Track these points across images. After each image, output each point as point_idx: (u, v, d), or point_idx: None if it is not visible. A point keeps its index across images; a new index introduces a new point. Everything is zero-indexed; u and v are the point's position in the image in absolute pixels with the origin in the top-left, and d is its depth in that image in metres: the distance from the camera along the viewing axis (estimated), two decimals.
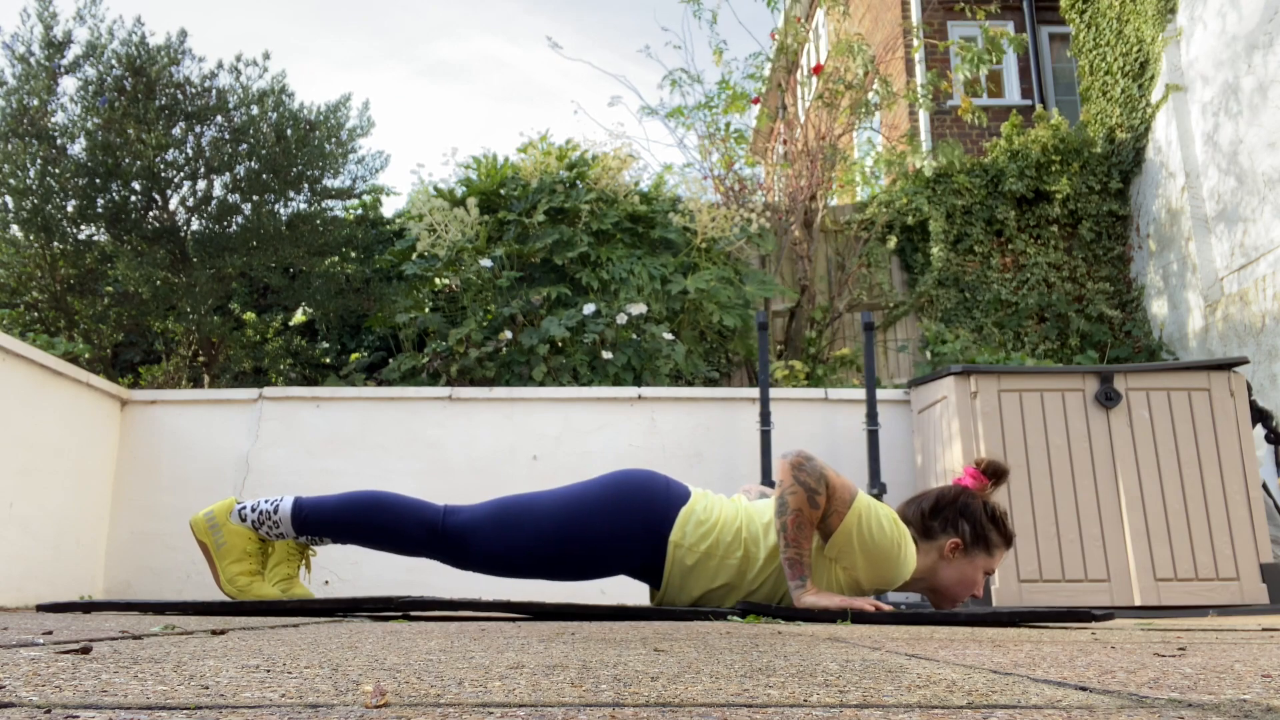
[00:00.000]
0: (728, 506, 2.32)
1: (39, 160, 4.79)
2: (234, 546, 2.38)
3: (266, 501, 2.40)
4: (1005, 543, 2.30)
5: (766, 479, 3.76)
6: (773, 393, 4.11)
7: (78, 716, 0.58)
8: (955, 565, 2.26)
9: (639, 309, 4.79)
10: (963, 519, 2.26)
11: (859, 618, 2.08)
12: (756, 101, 6.76)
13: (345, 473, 3.92)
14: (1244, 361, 3.49)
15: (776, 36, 6.74)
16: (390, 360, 5.24)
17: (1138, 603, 3.26)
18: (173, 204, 5.25)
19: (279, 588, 2.44)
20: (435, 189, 5.51)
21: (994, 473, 2.33)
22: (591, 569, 2.33)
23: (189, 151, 5.17)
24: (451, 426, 4.06)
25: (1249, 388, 3.52)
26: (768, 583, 2.26)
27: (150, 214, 5.18)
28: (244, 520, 2.40)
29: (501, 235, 5.27)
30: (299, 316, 5.96)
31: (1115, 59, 6.54)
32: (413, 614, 2.36)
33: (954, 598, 2.29)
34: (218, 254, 5.04)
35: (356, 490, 2.46)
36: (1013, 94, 9.46)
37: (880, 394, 4.09)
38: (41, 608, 2.30)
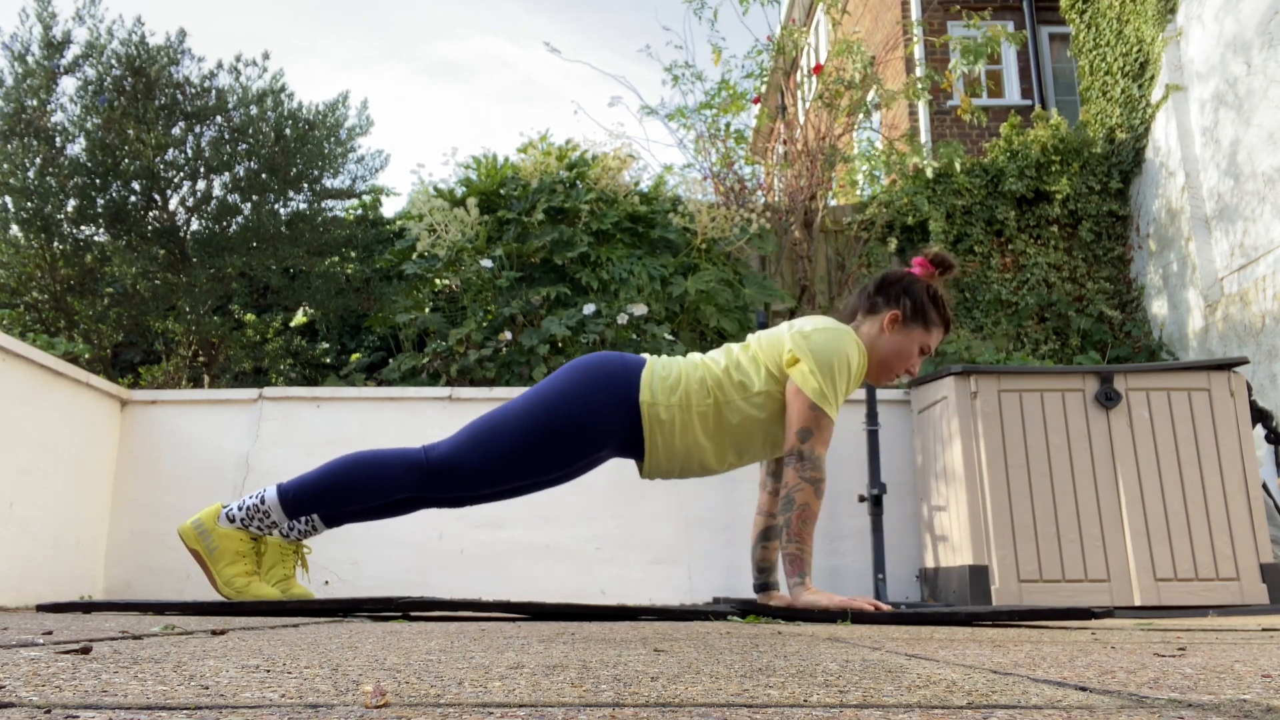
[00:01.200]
0: (685, 361, 2.38)
1: (38, 160, 4.79)
2: (226, 549, 2.38)
3: (251, 497, 2.41)
4: (943, 322, 2.42)
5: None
6: None
7: (78, 716, 0.58)
8: (893, 338, 2.38)
9: (639, 309, 4.79)
10: (905, 295, 2.39)
11: (859, 618, 2.08)
12: (757, 101, 6.76)
13: None
14: (1244, 361, 3.49)
15: (773, 39, 6.74)
16: (390, 360, 5.24)
17: (1138, 603, 3.26)
18: (172, 204, 5.25)
19: (278, 588, 2.44)
20: (435, 189, 5.51)
21: (940, 262, 2.45)
22: (578, 455, 2.35)
23: (188, 151, 5.17)
24: (452, 427, 4.03)
25: (1249, 388, 3.52)
26: (748, 423, 2.31)
27: (150, 214, 5.17)
28: (232, 522, 2.40)
29: (501, 235, 5.27)
30: (299, 317, 5.96)
31: (1115, 59, 6.54)
32: (413, 614, 2.36)
33: (890, 369, 2.41)
34: (217, 254, 5.03)
35: (334, 458, 2.45)
36: (1013, 94, 9.46)
37: (880, 394, 4.09)
38: (41, 608, 2.30)
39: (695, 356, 2.41)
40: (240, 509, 2.40)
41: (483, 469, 2.32)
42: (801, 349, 2.26)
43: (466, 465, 2.31)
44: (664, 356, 2.42)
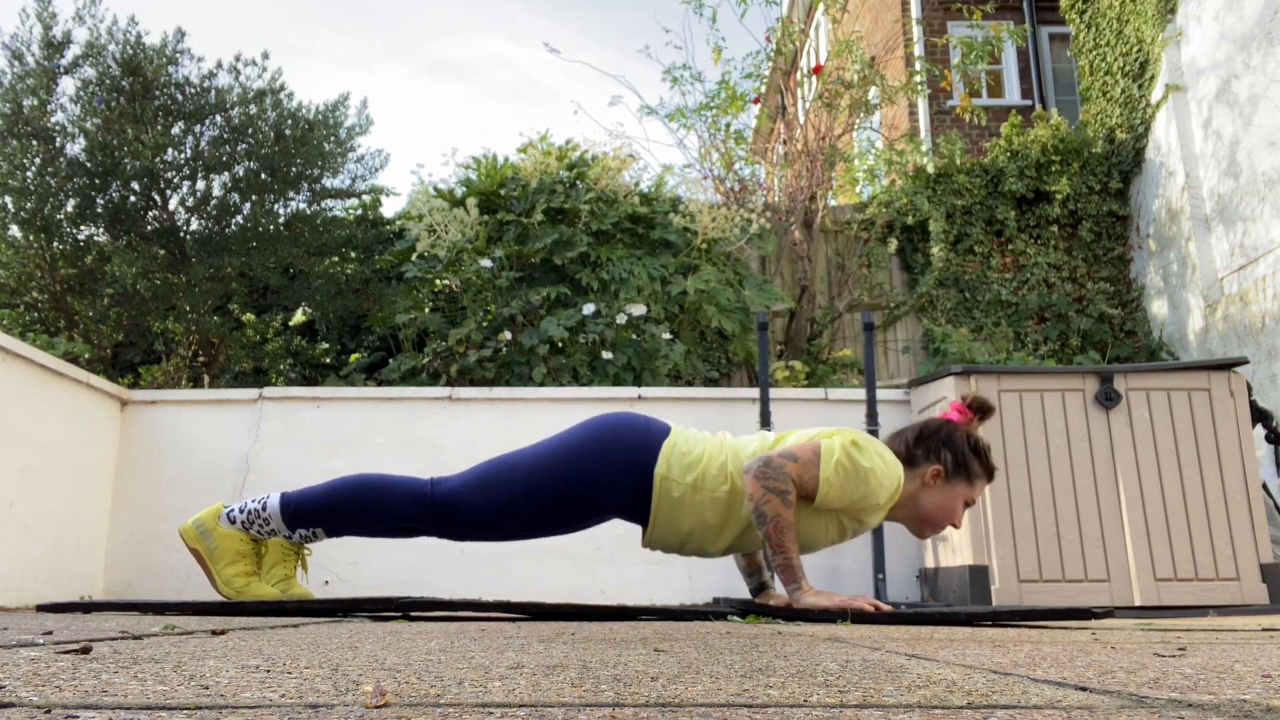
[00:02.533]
0: (711, 441, 2.33)
1: (38, 160, 4.79)
2: (226, 549, 2.38)
3: (254, 501, 2.40)
4: (986, 474, 2.33)
5: None
6: (773, 393, 4.11)
7: (78, 716, 0.58)
8: (936, 492, 2.29)
9: (639, 309, 4.78)
10: (945, 448, 2.30)
11: (859, 618, 2.08)
12: (757, 101, 6.76)
13: (345, 473, 3.91)
14: (1244, 361, 3.49)
15: (771, 38, 6.74)
16: (390, 360, 5.24)
17: (1138, 603, 3.26)
18: (172, 204, 5.25)
19: (278, 588, 2.44)
20: (435, 189, 5.51)
21: (979, 408, 2.37)
22: (582, 514, 2.32)
23: (188, 151, 5.17)
24: (452, 427, 4.06)
25: (1249, 388, 3.52)
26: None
27: (149, 214, 5.17)
28: (233, 523, 2.39)
29: (501, 235, 5.27)
30: (299, 316, 5.96)
31: (1115, 59, 6.54)
32: (413, 614, 2.36)
33: (934, 524, 2.32)
34: (217, 254, 5.03)
35: (342, 476, 2.44)
36: (1013, 94, 9.46)
37: (880, 394, 4.09)
38: (41, 608, 2.30)
39: (725, 438, 2.35)
40: (241, 511, 2.39)
41: (486, 513, 2.29)
42: (847, 433, 2.21)
43: (470, 506, 2.29)
44: (691, 431, 2.36)
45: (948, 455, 2.29)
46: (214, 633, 1.42)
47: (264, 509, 2.37)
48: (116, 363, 5.56)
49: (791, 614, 2.19)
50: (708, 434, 2.37)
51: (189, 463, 3.94)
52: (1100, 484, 3.37)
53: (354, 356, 5.65)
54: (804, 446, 2.19)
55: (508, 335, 4.70)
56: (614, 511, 2.34)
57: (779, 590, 2.80)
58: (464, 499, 2.29)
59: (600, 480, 2.27)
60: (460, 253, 5.09)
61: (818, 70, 6.32)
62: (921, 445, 2.32)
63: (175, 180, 5.17)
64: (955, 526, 2.33)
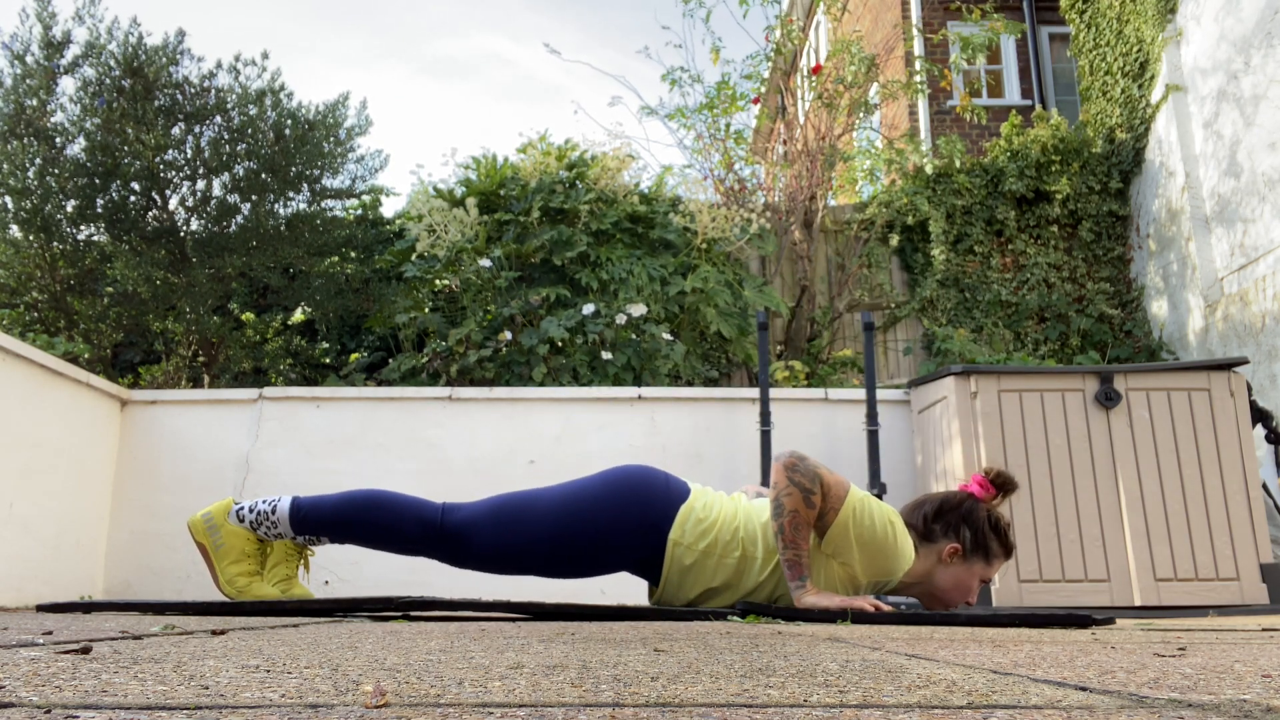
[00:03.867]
0: (727, 505, 2.31)
1: (38, 160, 4.79)
2: (232, 547, 2.38)
3: (264, 502, 2.40)
4: (1005, 553, 2.28)
5: (766, 479, 3.76)
6: (773, 393, 4.11)
7: (78, 716, 0.58)
8: (952, 570, 2.25)
9: (639, 310, 4.78)
10: (965, 525, 2.25)
11: (859, 618, 2.08)
12: (756, 101, 6.76)
13: (345, 473, 3.92)
14: (1244, 361, 3.49)
15: (770, 38, 6.74)
16: (390, 360, 5.24)
17: (1138, 603, 3.26)
18: (172, 204, 5.25)
19: (278, 588, 2.44)
20: (435, 189, 5.51)
21: (1002, 484, 2.30)
22: (590, 566, 2.33)
23: (188, 152, 5.17)
24: (451, 427, 4.06)
25: (1249, 388, 3.52)
26: (766, 584, 2.26)
27: (150, 214, 5.18)
28: (242, 521, 2.39)
29: (501, 235, 5.27)
30: (298, 315, 5.96)
31: (1115, 59, 6.54)
32: (413, 614, 2.36)
33: (948, 602, 2.29)
34: (217, 254, 5.04)
35: (355, 489, 2.45)
36: (1013, 94, 9.47)
37: (880, 394, 4.09)
38: (41, 608, 2.30)
39: (741, 500, 2.33)
40: (251, 511, 2.39)
41: (493, 549, 2.29)
42: (865, 495, 2.19)
43: (478, 542, 2.29)
44: (709, 493, 2.33)
45: (967, 533, 2.24)
46: (214, 633, 1.42)
47: (273, 512, 2.37)
48: (116, 363, 5.56)
49: (791, 614, 2.19)
50: (724, 495, 2.36)
51: (189, 463, 3.94)
52: (1100, 484, 3.37)
53: (354, 356, 5.65)
54: (838, 482, 2.17)
55: (508, 335, 4.70)
56: (622, 567, 2.33)
57: None
58: (473, 533, 2.30)
59: (613, 537, 2.26)
60: (460, 253, 5.09)
61: (817, 70, 6.32)
62: (940, 520, 2.27)
63: (175, 180, 5.17)
64: (969, 604, 2.30)
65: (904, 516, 2.31)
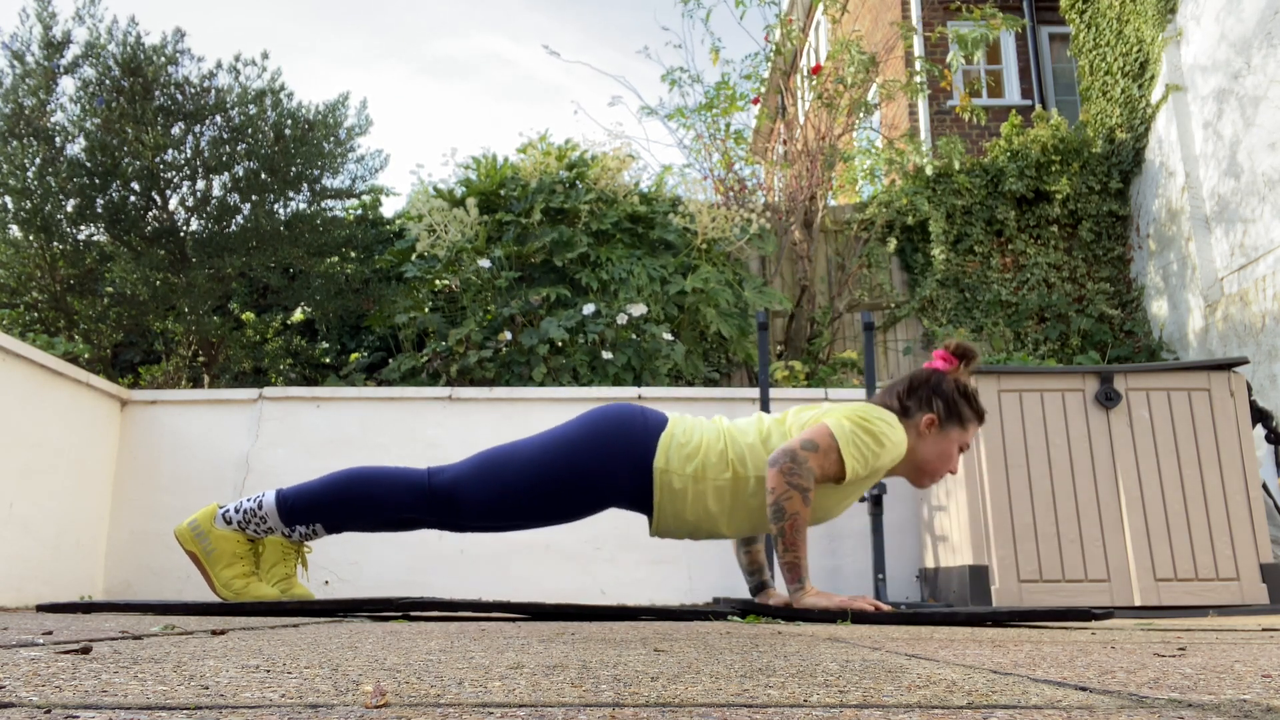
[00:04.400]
0: (708, 428, 2.33)
1: (38, 160, 4.79)
2: (224, 551, 2.37)
3: (249, 500, 2.39)
4: (978, 417, 2.39)
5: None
6: (773, 393, 4.11)
7: (78, 716, 0.58)
8: (932, 441, 2.34)
9: (639, 310, 4.78)
10: (936, 396, 2.35)
11: (859, 618, 2.08)
12: (756, 101, 6.76)
13: None
14: (1244, 361, 3.49)
15: (770, 38, 6.74)
16: (390, 360, 5.24)
17: (1138, 603, 3.26)
18: (172, 204, 5.25)
19: (278, 588, 2.44)
20: (435, 189, 5.51)
21: (963, 354, 2.42)
22: (580, 507, 2.33)
23: (188, 152, 5.17)
24: (451, 426, 4.06)
25: (1249, 388, 3.52)
26: (761, 506, 2.28)
27: (149, 214, 5.17)
28: (229, 523, 2.38)
29: (501, 236, 5.26)
30: (298, 315, 5.96)
31: (1115, 59, 6.54)
32: (413, 614, 2.36)
33: (933, 472, 2.37)
34: (217, 254, 5.03)
35: (337, 470, 2.44)
36: (1013, 94, 9.46)
37: None
38: (41, 608, 2.30)
39: (722, 423, 2.35)
40: (237, 511, 2.39)
41: (484, 503, 2.29)
42: (845, 408, 2.25)
43: (468, 497, 2.29)
44: (687, 419, 2.36)
45: (939, 404, 2.34)
46: (214, 633, 1.42)
47: (260, 507, 2.37)
48: (116, 363, 5.56)
49: (791, 614, 2.19)
50: (703, 420, 2.37)
51: (189, 463, 3.93)
52: (1100, 484, 3.37)
53: (354, 356, 5.65)
54: (819, 432, 2.20)
55: (508, 335, 4.70)
56: (614, 502, 2.34)
57: (779, 589, 2.80)
58: (462, 489, 2.29)
59: (598, 473, 2.27)
60: (460, 253, 5.09)
61: (816, 70, 6.32)
62: (913, 396, 2.36)
63: (175, 180, 5.17)
64: (952, 472, 2.39)
65: (879, 402, 2.39)
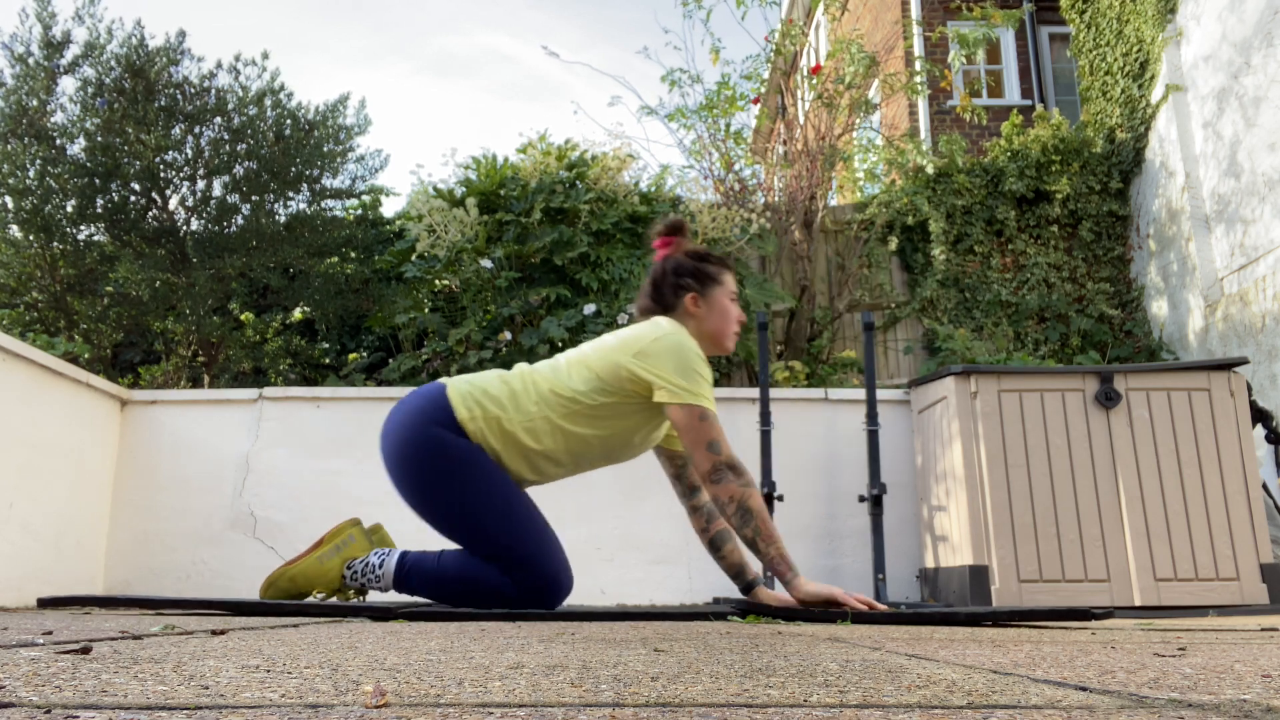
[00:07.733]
0: (486, 375, 2.43)
1: (38, 161, 4.79)
2: (324, 573, 2.47)
3: (373, 559, 2.47)
4: (722, 263, 2.53)
5: (767, 478, 3.76)
6: (773, 393, 4.11)
7: (78, 716, 0.58)
8: (706, 311, 2.46)
9: None
10: (682, 277, 2.47)
11: (859, 618, 2.09)
12: (756, 102, 6.75)
13: (346, 473, 3.92)
14: (1244, 361, 3.49)
15: (770, 38, 6.74)
16: (390, 360, 5.24)
17: (1138, 603, 3.26)
18: (172, 204, 5.25)
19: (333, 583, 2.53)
20: (435, 189, 5.51)
21: (673, 229, 2.56)
22: (516, 496, 2.38)
23: (188, 152, 5.17)
24: None
25: (1249, 388, 3.52)
26: (591, 427, 2.36)
27: (150, 214, 5.18)
28: (352, 579, 2.47)
29: (501, 236, 5.27)
30: (298, 315, 5.96)
31: (1115, 59, 6.54)
32: (413, 614, 2.36)
33: (727, 333, 2.48)
34: (217, 254, 5.04)
35: (450, 566, 2.42)
36: (1013, 94, 9.47)
37: (880, 394, 4.09)
38: (42, 602, 2.30)
39: (512, 371, 2.43)
40: (362, 566, 2.48)
41: (498, 544, 2.36)
42: (649, 368, 2.29)
43: (498, 548, 2.36)
44: (461, 377, 2.45)
45: (687, 280, 2.46)
46: (214, 633, 1.42)
47: (380, 566, 2.45)
48: (116, 363, 5.56)
49: (791, 614, 2.19)
50: (480, 373, 2.47)
51: (189, 463, 3.93)
52: (1100, 484, 3.37)
53: (353, 356, 5.65)
54: (686, 417, 2.25)
55: (508, 335, 4.70)
56: (510, 485, 2.39)
57: (770, 588, 2.82)
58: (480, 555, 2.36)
59: (466, 482, 2.33)
60: (460, 253, 5.09)
61: (816, 70, 6.32)
62: (664, 292, 2.47)
63: (176, 181, 5.17)
64: (741, 322, 2.50)
65: (646, 313, 2.49)
